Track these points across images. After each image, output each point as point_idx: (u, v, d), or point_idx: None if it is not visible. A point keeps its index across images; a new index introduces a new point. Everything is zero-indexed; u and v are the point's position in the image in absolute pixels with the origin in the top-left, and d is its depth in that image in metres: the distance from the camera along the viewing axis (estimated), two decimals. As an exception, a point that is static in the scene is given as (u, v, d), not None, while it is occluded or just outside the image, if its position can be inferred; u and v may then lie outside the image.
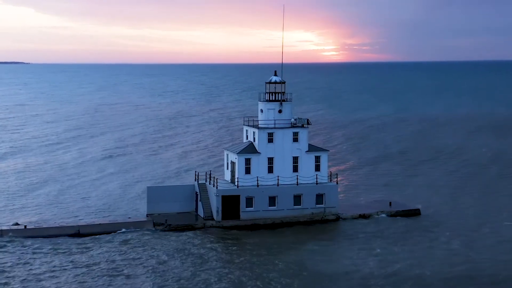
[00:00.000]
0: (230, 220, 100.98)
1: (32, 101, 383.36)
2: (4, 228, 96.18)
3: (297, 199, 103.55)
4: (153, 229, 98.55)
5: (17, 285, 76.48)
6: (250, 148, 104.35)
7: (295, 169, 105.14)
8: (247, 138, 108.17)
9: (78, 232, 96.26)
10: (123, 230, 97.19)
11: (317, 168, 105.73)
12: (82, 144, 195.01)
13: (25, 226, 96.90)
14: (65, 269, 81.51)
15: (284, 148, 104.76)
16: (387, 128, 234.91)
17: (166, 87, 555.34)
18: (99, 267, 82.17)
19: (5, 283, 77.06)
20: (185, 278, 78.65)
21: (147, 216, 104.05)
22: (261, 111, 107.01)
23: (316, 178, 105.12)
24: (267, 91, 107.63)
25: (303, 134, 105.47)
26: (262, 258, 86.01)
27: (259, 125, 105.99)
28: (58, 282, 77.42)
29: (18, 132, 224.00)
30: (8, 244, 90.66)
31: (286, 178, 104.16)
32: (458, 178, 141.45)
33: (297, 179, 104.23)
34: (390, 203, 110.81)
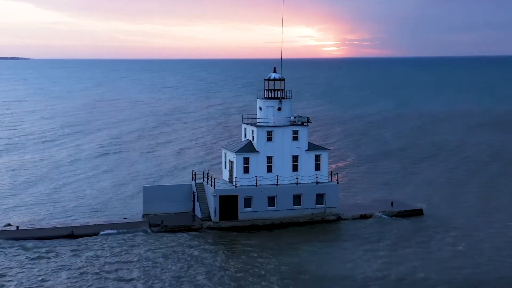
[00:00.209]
0: (228, 220, 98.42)
1: (30, 97, 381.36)
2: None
3: (297, 199, 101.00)
4: (149, 230, 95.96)
5: (7, 290, 74.11)
6: (249, 147, 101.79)
7: (295, 168, 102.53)
8: (245, 137, 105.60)
9: (72, 233, 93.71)
10: (118, 231, 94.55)
11: (318, 167, 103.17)
12: (78, 141, 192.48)
13: (18, 227, 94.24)
14: (57, 272, 79.02)
15: (283, 146, 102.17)
16: (387, 124, 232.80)
17: (165, 82, 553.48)
18: (92, 270, 79.68)
19: (-5, 288, 74.68)
20: (180, 282, 76.23)
21: (143, 217, 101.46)
22: (260, 108, 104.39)
23: (316, 177, 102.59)
24: (266, 88, 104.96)
25: (303, 132, 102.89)
26: (261, 260, 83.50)
27: (258, 123, 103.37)
28: (50, 286, 74.99)
29: (15, 129, 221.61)
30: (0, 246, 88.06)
31: (286, 177, 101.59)
32: (458, 175, 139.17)
33: (296, 178, 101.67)
34: (392, 202, 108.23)
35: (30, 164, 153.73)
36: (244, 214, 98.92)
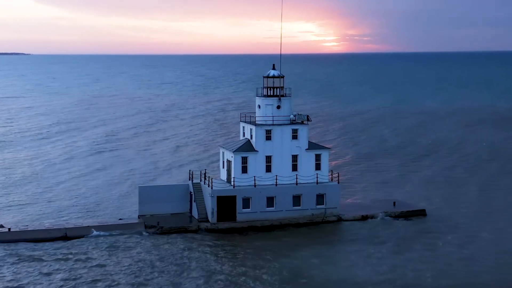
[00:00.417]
0: (226, 222, 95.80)
1: (27, 93, 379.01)
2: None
3: (297, 200, 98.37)
4: (145, 232, 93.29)
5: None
6: (247, 146, 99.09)
7: (295, 168, 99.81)
8: (244, 135, 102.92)
9: (65, 235, 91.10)
10: (113, 233, 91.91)
11: (318, 167, 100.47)
12: (74, 138, 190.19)
13: (9, 229, 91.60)
14: (49, 276, 76.64)
15: (282, 146, 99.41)
16: (386, 120, 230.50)
17: (164, 78, 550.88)
18: (85, 273, 77.24)
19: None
20: (176, 286, 73.80)
21: (138, 218, 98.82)
22: (259, 106, 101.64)
23: (317, 177, 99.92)
24: (265, 85, 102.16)
25: (303, 131, 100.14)
26: (260, 263, 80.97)
27: (257, 122, 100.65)
28: (41, 292, 72.57)
29: (11, 125, 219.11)
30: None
31: (285, 177, 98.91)
32: (459, 174, 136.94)
33: (296, 178, 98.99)
34: (394, 203, 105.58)
35: (24, 162, 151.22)
36: (243, 215, 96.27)
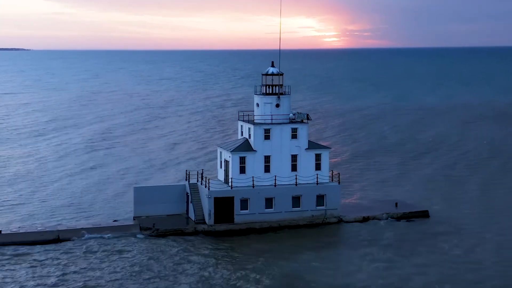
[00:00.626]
0: (223, 224, 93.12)
1: (25, 89, 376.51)
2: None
3: (296, 201, 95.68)
4: (140, 234, 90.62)
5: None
6: (245, 146, 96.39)
7: (294, 168, 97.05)
8: (242, 135, 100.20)
9: (58, 238, 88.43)
10: (107, 236, 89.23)
11: (318, 167, 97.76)
12: (69, 135, 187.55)
13: (0, 231, 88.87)
14: (39, 280, 74.20)
15: (282, 145, 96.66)
16: (385, 117, 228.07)
17: (163, 74, 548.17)
18: (76, 278, 74.71)
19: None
20: (171, 293, 71.20)
21: (134, 219, 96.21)
22: (257, 105, 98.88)
23: (317, 177, 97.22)
24: (264, 83, 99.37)
25: (302, 130, 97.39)
26: (258, 267, 78.42)
27: (255, 121, 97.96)
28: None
29: (7, 122, 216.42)
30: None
31: (284, 178, 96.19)
32: (459, 172, 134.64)
33: (296, 179, 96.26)
34: (396, 203, 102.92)
35: (18, 159, 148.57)
36: (240, 216, 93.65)
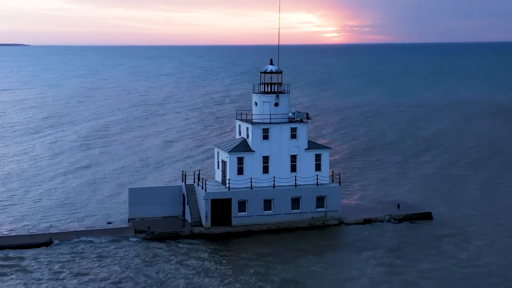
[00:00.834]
0: (220, 226, 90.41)
1: (22, 85, 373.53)
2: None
3: (296, 203, 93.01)
4: (134, 237, 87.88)
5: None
6: (243, 146, 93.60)
7: (293, 169, 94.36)
8: (240, 134, 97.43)
9: (50, 241, 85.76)
10: (100, 239, 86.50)
11: (318, 167, 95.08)
12: (64, 132, 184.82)
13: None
14: (28, 286, 71.52)
15: (281, 145, 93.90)
16: (384, 114, 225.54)
17: (162, 70, 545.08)
18: (68, 282, 72.26)
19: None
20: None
21: (128, 221, 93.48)
22: (255, 104, 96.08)
23: (317, 178, 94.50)
24: (262, 81, 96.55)
25: (302, 130, 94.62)
26: (256, 271, 75.98)
27: (253, 120, 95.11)
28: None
29: (3, 119, 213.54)
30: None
31: (283, 179, 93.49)
32: (461, 171, 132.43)
33: (295, 180, 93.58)
34: (398, 205, 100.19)
35: (12, 158, 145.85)
36: (238, 219, 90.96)
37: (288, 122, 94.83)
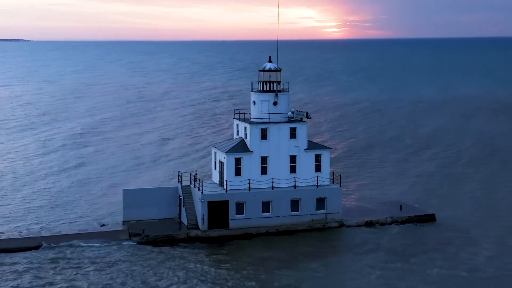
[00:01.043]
0: (217, 229, 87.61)
1: (19, 80, 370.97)
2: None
3: (295, 204, 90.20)
4: (129, 240, 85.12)
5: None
6: (241, 146, 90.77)
7: (293, 169, 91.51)
8: (237, 134, 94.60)
9: (40, 245, 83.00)
10: (93, 243, 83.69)
11: (318, 168, 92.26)
12: (57, 129, 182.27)
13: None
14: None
15: (280, 145, 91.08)
16: (384, 110, 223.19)
17: (160, 65, 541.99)
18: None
19: None
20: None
21: (123, 224, 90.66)
22: (254, 103, 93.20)
23: (317, 180, 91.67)
24: (261, 80, 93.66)
25: (301, 129, 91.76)
26: (255, 277, 73.28)
27: (251, 119, 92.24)
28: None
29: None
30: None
31: (282, 180, 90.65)
32: (462, 169, 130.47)
33: (294, 181, 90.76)
34: (401, 206, 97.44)
35: (3, 156, 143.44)
36: (236, 221, 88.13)
37: (287, 122, 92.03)
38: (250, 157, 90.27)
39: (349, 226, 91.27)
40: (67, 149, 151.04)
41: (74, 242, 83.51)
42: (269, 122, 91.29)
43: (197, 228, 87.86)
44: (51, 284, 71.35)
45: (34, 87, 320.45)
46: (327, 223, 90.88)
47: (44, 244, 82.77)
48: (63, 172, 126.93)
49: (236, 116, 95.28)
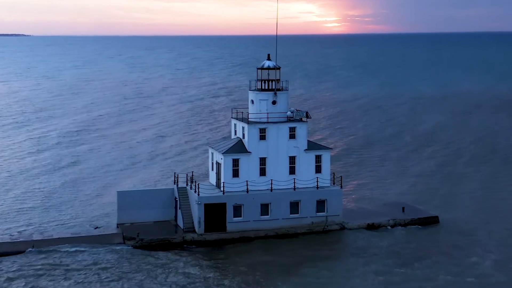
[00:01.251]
0: (214, 232, 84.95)
1: (17, 76, 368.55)
2: None
3: (294, 207, 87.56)
4: (123, 244, 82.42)
5: None
6: (239, 147, 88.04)
7: (292, 171, 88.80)
8: (235, 134, 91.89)
9: (30, 248, 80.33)
10: (86, 247, 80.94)
11: (318, 169, 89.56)
12: (53, 126, 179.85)
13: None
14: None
15: (278, 146, 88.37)
16: (383, 107, 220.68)
17: (159, 61, 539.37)
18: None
19: None
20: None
21: (117, 226, 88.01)
22: (252, 102, 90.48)
23: (317, 181, 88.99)
24: (259, 78, 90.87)
25: (301, 129, 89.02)
26: (253, 282, 70.98)
27: (250, 119, 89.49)
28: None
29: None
30: None
31: (281, 181, 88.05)
32: (463, 168, 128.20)
33: (294, 183, 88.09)
34: (403, 208, 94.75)
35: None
36: (233, 224, 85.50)
37: (287, 122, 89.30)
38: (248, 158, 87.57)
39: (350, 229, 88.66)
40: (62, 147, 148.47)
41: (66, 246, 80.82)
42: (267, 122, 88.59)
43: (194, 231, 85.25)
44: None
45: (32, 83, 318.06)
46: (327, 226, 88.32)
47: (29, 249, 79.88)
48: (57, 171, 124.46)
49: (234, 116, 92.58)
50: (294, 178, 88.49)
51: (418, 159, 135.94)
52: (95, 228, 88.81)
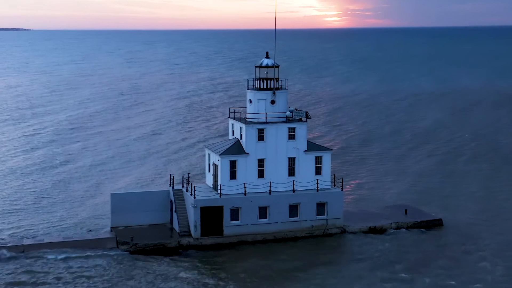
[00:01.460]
0: (211, 236, 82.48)
1: (13, 71, 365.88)
2: None
3: (294, 210, 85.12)
4: (116, 249, 79.83)
5: None
6: (236, 148, 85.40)
7: (291, 172, 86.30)
8: (233, 135, 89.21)
9: (22, 253, 77.79)
10: (78, 253, 78.37)
11: (318, 171, 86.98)
12: (47, 122, 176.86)
13: (-44, 246, 78.29)
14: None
15: (277, 147, 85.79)
16: (382, 103, 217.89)
17: (157, 55, 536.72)
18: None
19: None
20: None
21: (111, 230, 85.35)
22: (250, 101, 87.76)
23: (317, 183, 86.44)
24: (257, 77, 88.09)
25: (301, 130, 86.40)
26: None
27: (247, 119, 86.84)
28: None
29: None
30: None
31: (280, 184, 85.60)
32: (463, 167, 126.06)
33: (293, 185, 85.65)
34: (406, 210, 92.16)
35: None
36: (231, 228, 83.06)
37: (286, 122, 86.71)
38: (246, 160, 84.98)
39: (351, 233, 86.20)
40: (56, 145, 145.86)
41: (57, 251, 78.24)
42: (266, 122, 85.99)
43: (190, 235, 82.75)
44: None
45: (30, 78, 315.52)
46: (328, 230, 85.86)
47: (20, 254, 77.29)
48: (50, 169, 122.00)
49: (232, 115, 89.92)
50: (294, 180, 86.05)
51: (418, 157, 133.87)
52: (89, 231, 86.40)
